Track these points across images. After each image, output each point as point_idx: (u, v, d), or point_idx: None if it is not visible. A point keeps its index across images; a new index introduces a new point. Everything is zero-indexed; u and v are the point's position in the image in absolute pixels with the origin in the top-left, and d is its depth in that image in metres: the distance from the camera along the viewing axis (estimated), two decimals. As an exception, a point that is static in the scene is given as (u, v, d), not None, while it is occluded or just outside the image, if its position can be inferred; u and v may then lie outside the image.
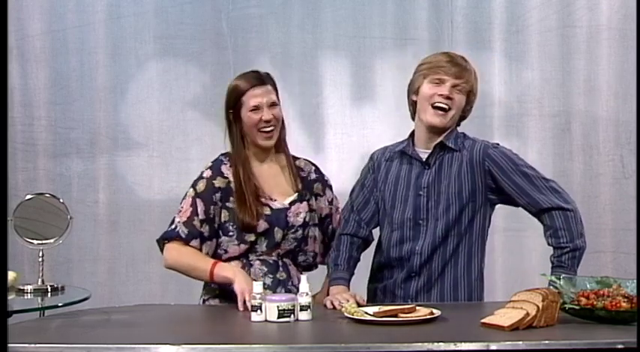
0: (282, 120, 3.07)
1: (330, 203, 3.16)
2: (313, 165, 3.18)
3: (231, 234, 2.98)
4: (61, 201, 3.73)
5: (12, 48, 4.62)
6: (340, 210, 3.18)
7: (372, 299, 3.02)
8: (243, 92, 3.01)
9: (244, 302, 2.77)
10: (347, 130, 4.71)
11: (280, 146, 3.10)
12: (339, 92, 4.74)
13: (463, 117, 3.06)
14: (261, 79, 3.04)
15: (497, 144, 3.07)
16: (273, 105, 3.02)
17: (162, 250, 3.01)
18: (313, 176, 3.15)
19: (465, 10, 4.69)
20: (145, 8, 4.72)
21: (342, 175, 4.15)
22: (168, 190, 4.61)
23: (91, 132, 4.72)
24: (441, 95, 2.95)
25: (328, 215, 3.15)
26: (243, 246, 2.98)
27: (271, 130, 3.02)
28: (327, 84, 4.74)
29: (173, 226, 2.99)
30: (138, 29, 4.72)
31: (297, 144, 4.35)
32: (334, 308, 2.81)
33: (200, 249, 2.97)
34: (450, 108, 2.97)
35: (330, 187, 3.18)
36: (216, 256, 3.00)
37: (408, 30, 4.66)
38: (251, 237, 2.98)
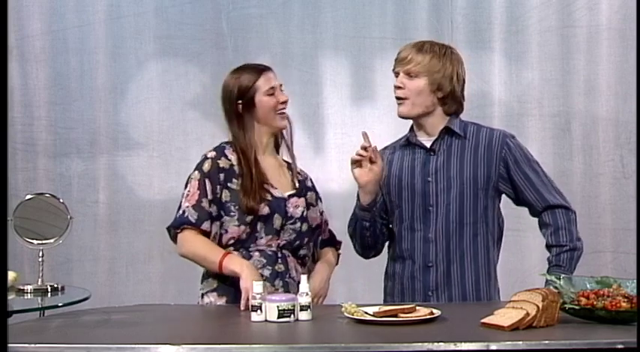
0: None
1: (321, 214, 3.18)
2: (307, 175, 3.21)
3: (232, 214, 2.98)
4: (61, 201, 3.73)
5: (12, 48, 4.63)
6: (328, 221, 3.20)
7: (390, 295, 3.04)
8: (255, 79, 3.04)
9: (247, 300, 2.75)
10: (347, 130, 4.70)
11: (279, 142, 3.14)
12: (339, 92, 4.74)
13: (443, 98, 2.99)
14: (265, 65, 3.11)
15: (514, 136, 3.08)
16: (281, 88, 3.10)
17: (171, 237, 3.02)
18: (309, 184, 3.18)
19: (465, 10, 4.69)
20: (145, 8, 4.73)
21: (342, 175, 4.15)
22: (168, 190, 4.61)
23: (91, 132, 4.72)
24: (395, 87, 3.00)
25: (319, 225, 3.16)
26: (243, 227, 2.98)
27: (286, 112, 3.08)
28: (327, 84, 4.74)
29: (181, 211, 2.98)
30: (138, 29, 4.72)
31: (298, 144, 4.34)
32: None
33: (211, 230, 2.97)
34: (405, 97, 2.98)
35: (321, 200, 3.20)
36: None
37: (408, 30, 4.66)
38: (250, 218, 2.97)
